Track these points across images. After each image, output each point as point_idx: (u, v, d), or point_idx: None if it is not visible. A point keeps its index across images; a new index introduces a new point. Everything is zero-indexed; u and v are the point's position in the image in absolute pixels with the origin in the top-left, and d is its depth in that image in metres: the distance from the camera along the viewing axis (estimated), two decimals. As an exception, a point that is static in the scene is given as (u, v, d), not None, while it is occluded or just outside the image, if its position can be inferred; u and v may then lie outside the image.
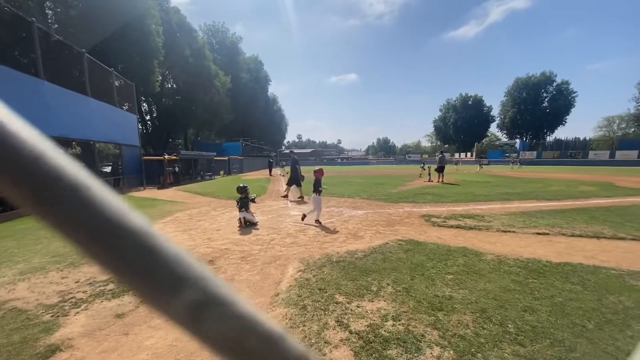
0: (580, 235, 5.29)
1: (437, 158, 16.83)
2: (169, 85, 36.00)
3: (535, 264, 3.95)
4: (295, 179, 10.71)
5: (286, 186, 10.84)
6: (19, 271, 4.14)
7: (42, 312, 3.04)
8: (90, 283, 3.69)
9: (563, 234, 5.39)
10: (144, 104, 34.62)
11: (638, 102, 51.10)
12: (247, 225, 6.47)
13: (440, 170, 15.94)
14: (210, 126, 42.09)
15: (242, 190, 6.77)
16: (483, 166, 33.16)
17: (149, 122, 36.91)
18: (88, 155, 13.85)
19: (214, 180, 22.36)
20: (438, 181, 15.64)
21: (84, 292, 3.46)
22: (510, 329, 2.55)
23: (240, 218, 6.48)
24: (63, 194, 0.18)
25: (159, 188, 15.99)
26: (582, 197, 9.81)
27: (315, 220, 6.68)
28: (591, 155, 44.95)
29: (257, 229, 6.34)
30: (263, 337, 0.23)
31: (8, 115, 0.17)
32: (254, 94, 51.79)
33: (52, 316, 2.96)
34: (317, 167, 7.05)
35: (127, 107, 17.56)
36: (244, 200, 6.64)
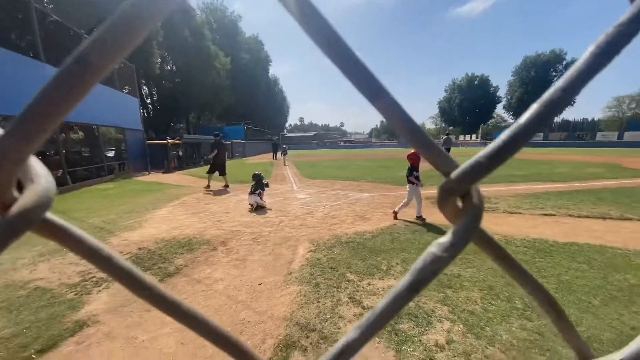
0: (587, 216, 5.32)
1: (442, 140, 16.68)
2: (169, 68, 35.31)
3: (542, 244, 4.02)
4: (219, 166, 9.58)
5: (207, 174, 9.69)
6: (38, 253, 4.28)
7: (66, 291, 3.17)
8: (108, 263, 3.82)
9: (570, 215, 5.42)
10: (144, 87, 34.17)
11: (650, 81, 49.42)
12: (256, 209, 6.57)
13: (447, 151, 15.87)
14: (211, 109, 41.63)
15: (257, 177, 6.86)
16: None
17: (149, 106, 36.52)
18: (91, 139, 13.90)
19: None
20: None
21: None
22: (518, 305, 2.64)
23: (251, 203, 6.59)
24: None
25: (163, 172, 16.09)
26: (589, 179, 9.76)
27: (417, 217, 5.41)
28: (599, 136, 44.09)
29: (267, 212, 6.43)
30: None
31: None
32: (255, 75, 50.77)
33: (75, 294, 3.09)
34: (411, 151, 5.66)
35: (127, 90, 17.38)
36: (258, 185, 6.73)
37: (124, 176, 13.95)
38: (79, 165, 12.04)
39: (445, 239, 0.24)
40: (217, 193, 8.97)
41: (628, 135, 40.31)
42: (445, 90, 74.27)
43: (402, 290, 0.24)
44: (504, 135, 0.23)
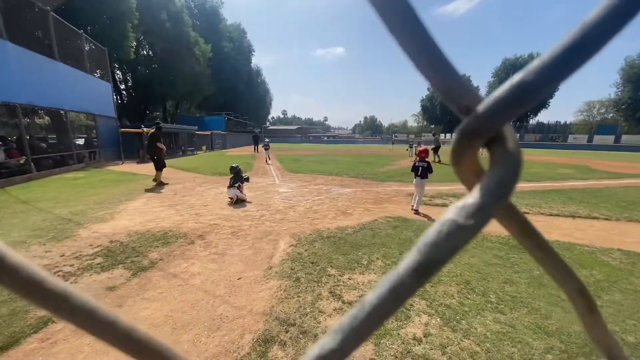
0: (558, 215, 5.61)
1: (434, 138, 17.11)
2: (145, 53, 33.60)
3: (515, 241, 4.18)
4: (163, 160, 8.73)
5: (157, 172, 8.57)
6: (-4, 245, 3.96)
7: (28, 286, 2.95)
8: (76, 257, 3.60)
9: (542, 213, 5.70)
10: (118, 72, 32.39)
11: (619, 88, 52.66)
12: (236, 202, 6.42)
13: (435, 150, 16.04)
14: (190, 98, 40.13)
15: (235, 169, 6.66)
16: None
17: (124, 92, 34.70)
18: (59, 125, 13.02)
19: (196, 156, 21.74)
20: (434, 161, 15.87)
21: (70, 265, 3.38)
22: (492, 299, 2.73)
23: (231, 196, 6.42)
24: None
25: (138, 162, 15.40)
26: (560, 179, 10.32)
27: (414, 208, 5.72)
28: (570, 139, 46.59)
29: (247, 206, 6.30)
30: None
31: None
32: (237, 64, 49.31)
33: (39, 290, 2.89)
34: (421, 147, 5.98)
35: (99, 75, 16.39)
36: (237, 178, 6.56)
37: (95, 165, 13.24)
38: (45, 152, 11.27)
39: (470, 199, 0.17)
40: (196, 185, 8.70)
41: (597, 139, 42.90)
42: (428, 89, 75.73)
43: (404, 276, 0.17)
44: (569, 36, 0.15)
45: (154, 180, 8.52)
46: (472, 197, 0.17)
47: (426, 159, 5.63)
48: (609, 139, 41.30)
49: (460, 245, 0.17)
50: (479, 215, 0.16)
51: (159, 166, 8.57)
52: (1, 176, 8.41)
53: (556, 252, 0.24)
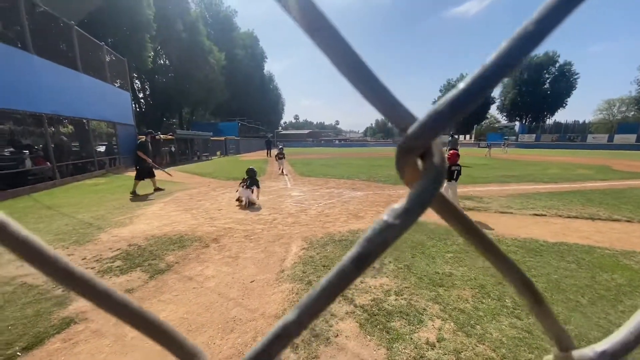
0: (576, 217, 5.41)
1: (447, 141, 16.71)
2: (162, 62, 34.80)
3: (532, 244, 4.07)
4: (146, 170, 8.56)
5: (135, 181, 8.27)
6: (24, 248, 4.17)
7: (53, 287, 3.10)
8: (97, 260, 3.75)
9: (559, 215, 5.51)
10: (137, 82, 33.65)
11: (640, 85, 50.31)
12: (248, 205, 6.52)
13: None
14: (205, 105, 41.22)
15: (252, 172, 6.84)
16: (507, 148, 31.08)
17: (142, 101, 36.01)
18: (82, 133, 13.60)
19: (211, 161, 22.22)
20: None
21: (92, 268, 3.52)
22: (508, 304, 2.67)
23: (242, 197, 6.54)
24: None
25: (155, 169, 15.85)
26: (579, 180, 9.94)
27: None
28: (590, 138, 44.92)
29: (260, 210, 6.39)
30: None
31: None
32: (250, 71, 50.33)
33: (63, 291, 3.03)
34: (450, 151, 5.91)
35: (119, 84, 17.07)
36: (253, 181, 6.69)
37: (114, 172, 13.72)
38: (69, 159, 11.79)
39: (399, 204, 0.21)
40: (210, 190, 8.88)
41: (618, 138, 41.15)
42: (440, 91, 74.79)
43: (346, 264, 0.21)
44: (468, 79, 0.19)
45: (131, 193, 7.92)
46: (401, 201, 0.21)
47: (458, 163, 5.65)
48: (631, 138, 39.48)
49: (390, 240, 0.20)
50: (405, 217, 0.20)
51: (137, 175, 8.29)
52: (27, 183, 8.85)
53: (498, 246, 0.27)
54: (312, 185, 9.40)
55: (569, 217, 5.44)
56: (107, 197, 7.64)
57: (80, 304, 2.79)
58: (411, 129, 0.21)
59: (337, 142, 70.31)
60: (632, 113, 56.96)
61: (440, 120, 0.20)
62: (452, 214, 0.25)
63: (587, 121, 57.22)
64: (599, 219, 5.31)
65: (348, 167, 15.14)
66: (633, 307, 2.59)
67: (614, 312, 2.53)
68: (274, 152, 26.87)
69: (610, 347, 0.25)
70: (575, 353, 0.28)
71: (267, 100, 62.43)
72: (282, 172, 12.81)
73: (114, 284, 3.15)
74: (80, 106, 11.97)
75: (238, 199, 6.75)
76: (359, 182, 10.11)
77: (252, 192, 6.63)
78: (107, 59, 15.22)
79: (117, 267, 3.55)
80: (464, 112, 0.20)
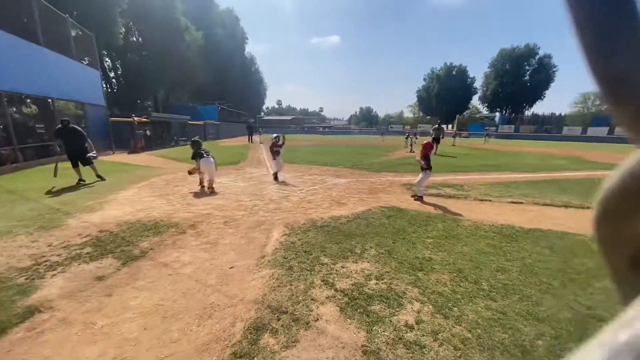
0: (551, 205, 5.65)
1: (431, 131, 16.61)
2: (134, 39, 32.64)
3: (508, 230, 4.21)
4: (80, 155, 7.43)
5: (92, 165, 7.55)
6: (-18, 235, 3.87)
7: (15, 275, 2.89)
8: (64, 246, 3.53)
9: (535, 203, 5.73)
10: (107, 59, 31.50)
11: (614, 79, 52.43)
12: (209, 189, 6.34)
13: (437, 141, 15.71)
14: (182, 87, 39.33)
15: (197, 142, 6.72)
16: (488, 139, 30.84)
17: (113, 80, 33.84)
18: (47, 114, 12.64)
19: (189, 146, 21.43)
20: (434, 153, 15.63)
21: (58, 255, 3.31)
22: (484, 287, 2.74)
23: (203, 171, 6.43)
24: None
25: (129, 152, 15.16)
26: (554, 170, 10.40)
27: (417, 197, 5.88)
28: (565, 130, 46.83)
29: (240, 195, 6.23)
30: None
31: None
32: (230, 52, 48.14)
33: (26, 279, 2.83)
34: (425, 141, 6.07)
35: (87, 62, 15.89)
36: (205, 151, 6.49)
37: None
38: (32, 141, 10.98)
39: None
40: (183, 176, 8.58)
41: (591, 131, 43.13)
42: (424, 79, 75.14)
43: None
44: None
45: (80, 180, 7.22)
46: None
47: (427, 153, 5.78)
48: (604, 131, 41.55)
49: None
50: None
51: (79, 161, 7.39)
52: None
53: None
54: (295, 172, 9.29)
55: (544, 204, 5.66)
56: (75, 181, 7.19)
57: (45, 292, 2.62)
58: None
59: (321, 129, 69.82)
60: (606, 106, 59.45)
61: None
62: None
63: (563, 114, 59.50)
64: (572, 206, 5.56)
65: (332, 155, 15.07)
66: (602, 290, 2.73)
67: (584, 294, 2.65)
68: (256, 138, 26.41)
69: None
70: None
71: (248, 83, 60.35)
72: (276, 177, 8.00)
73: (83, 270, 2.98)
74: (43, 84, 11.04)
75: (200, 181, 6.59)
76: (342, 169, 10.09)
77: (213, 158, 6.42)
78: (73, 33, 14.06)
79: (87, 253, 3.35)
80: None
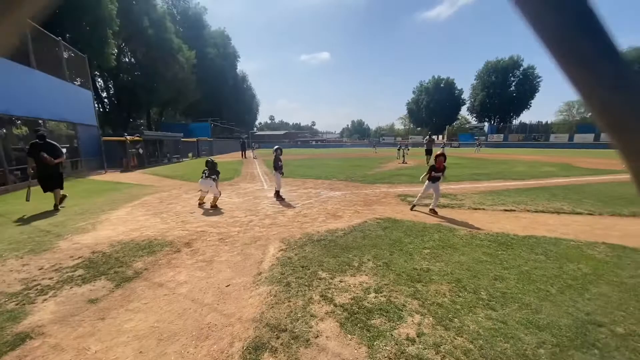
0: (543, 211, 5.73)
1: (425, 141, 16.71)
2: (127, 60, 32.98)
3: (503, 238, 4.25)
4: (51, 178, 6.67)
5: (56, 191, 6.70)
6: (-31, 260, 3.75)
7: (5, 301, 2.79)
8: (56, 269, 3.43)
9: (528, 210, 5.81)
10: (99, 80, 31.66)
11: (597, 88, 54.44)
12: (212, 206, 6.35)
13: (428, 152, 15.81)
14: (175, 105, 39.58)
15: (211, 163, 6.67)
16: (480, 148, 32.37)
17: (105, 100, 33.92)
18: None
19: (183, 163, 21.39)
20: (427, 164, 15.75)
21: (49, 278, 3.22)
22: (483, 296, 2.74)
23: (202, 190, 6.50)
24: None
25: (122, 171, 15.02)
26: (544, 177, 10.60)
27: (431, 210, 5.79)
28: (552, 138, 48.18)
29: (235, 211, 6.19)
30: None
31: None
32: (222, 70, 48.92)
33: (16, 304, 2.73)
34: (439, 151, 5.97)
35: (79, 83, 15.93)
36: (212, 171, 6.53)
37: (76, 175, 12.81)
38: (23, 163, 10.80)
39: None
40: (182, 193, 8.50)
41: (578, 137, 44.43)
42: (413, 92, 77.00)
43: None
44: None
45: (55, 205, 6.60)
46: None
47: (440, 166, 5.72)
48: (589, 137, 42.80)
49: None
50: None
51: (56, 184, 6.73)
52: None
53: None
54: (289, 186, 9.29)
55: (536, 211, 5.75)
56: (67, 202, 7.06)
57: (36, 318, 2.53)
58: None
59: (313, 142, 70.37)
60: (590, 114, 61.44)
61: None
62: None
63: (549, 122, 61.17)
64: (564, 212, 5.65)
65: (325, 168, 15.15)
66: (599, 295, 2.75)
67: (582, 300, 2.67)
68: (249, 153, 26.39)
69: None
70: None
71: (241, 100, 61.03)
72: (279, 194, 7.47)
73: (75, 294, 2.89)
74: (34, 105, 11.01)
75: (200, 199, 6.62)
76: (337, 182, 10.13)
77: (215, 183, 6.47)
78: (65, 55, 14.15)
79: (79, 276, 3.27)
80: None
